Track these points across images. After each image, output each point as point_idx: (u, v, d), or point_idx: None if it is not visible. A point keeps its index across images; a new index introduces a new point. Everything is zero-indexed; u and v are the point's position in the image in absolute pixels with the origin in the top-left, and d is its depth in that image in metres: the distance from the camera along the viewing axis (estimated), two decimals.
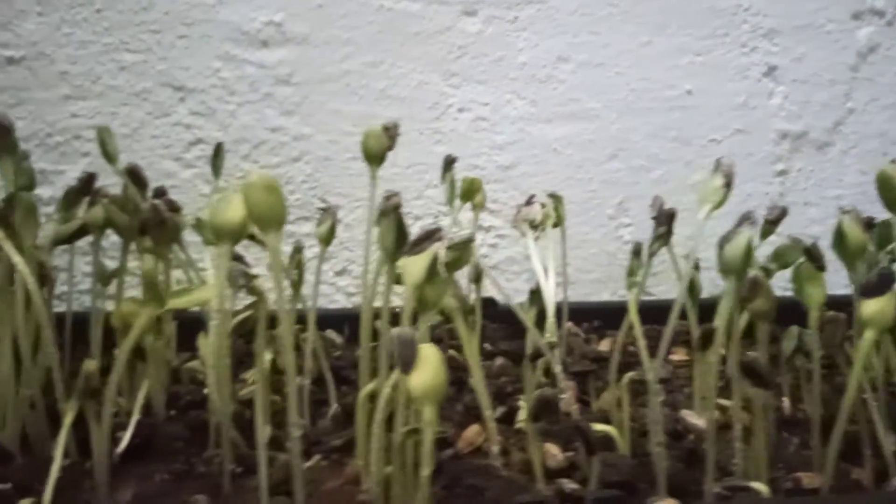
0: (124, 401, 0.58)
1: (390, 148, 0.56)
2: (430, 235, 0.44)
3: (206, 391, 0.64)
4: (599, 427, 0.53)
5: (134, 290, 0.63)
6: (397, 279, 0.48)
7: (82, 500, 0.48)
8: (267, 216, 0.42)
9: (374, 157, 0.56)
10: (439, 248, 0.45)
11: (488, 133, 0.82)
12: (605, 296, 0.86)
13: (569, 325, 0.74)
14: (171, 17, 0.78)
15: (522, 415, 0.60)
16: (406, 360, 0.41)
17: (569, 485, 0.48)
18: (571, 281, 0.81)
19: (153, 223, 0.53)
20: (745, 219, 0.45)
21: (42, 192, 0.76)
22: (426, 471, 0.41)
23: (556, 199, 0.70)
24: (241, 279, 0.50)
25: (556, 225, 0.69)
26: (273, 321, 0.53)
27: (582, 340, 0.74)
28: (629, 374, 0.55)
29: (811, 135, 0.88)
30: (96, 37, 0.77)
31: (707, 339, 0.59)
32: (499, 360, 0.69)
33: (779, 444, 0.57)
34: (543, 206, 0.67)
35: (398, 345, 0.42)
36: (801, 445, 0.57)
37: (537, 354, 0.53)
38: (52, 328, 0.53)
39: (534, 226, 0.66)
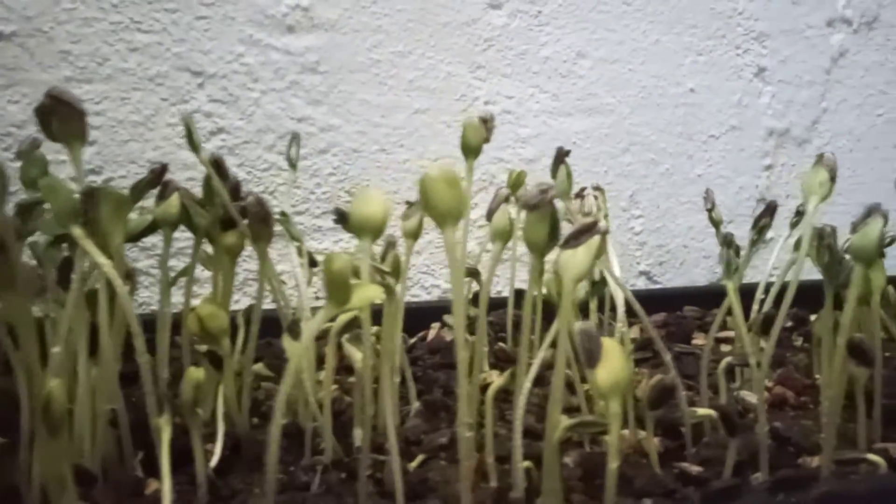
0: (202, 412, 0.54)
1: (487, 140, 0.56)
2: (590, 228, 0.44)
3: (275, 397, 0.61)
4: (702, 411, 0.55)
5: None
6: (540, 272, 0.47)
7: None
8: (446, 209, 0.40)
9: (472, 150, 0.55)
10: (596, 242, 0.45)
11: (513, 126, 0.83)
12: None
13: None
14: None
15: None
16: (591, 354, 0.41)
17: (693, 468, 0.50)
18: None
19: (258, 218, 0.49)
20: (874, 209, 0.47)
21: None
22: (613, 464, 0.41)
23: (601, 191, 0.71)
24: (376, 275, 0.48)
25: (604, 217, 0.70)
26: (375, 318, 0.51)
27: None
28: (726, 359, 0.57)
29: (793, 132, 0.95)
30: (103, 14, 0.70)
31: (768, 325, 0.62)
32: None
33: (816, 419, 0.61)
34: (596, 197, 0.69)
35: (583, 339, 0.41)
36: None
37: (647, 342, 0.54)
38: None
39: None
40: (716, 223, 0.66)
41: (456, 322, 0.42)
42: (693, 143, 0.90)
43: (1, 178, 0.37)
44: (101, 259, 0.46)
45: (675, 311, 0.83)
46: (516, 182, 0.70)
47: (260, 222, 0.50)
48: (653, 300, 0.76)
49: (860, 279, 0.48)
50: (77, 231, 0.46)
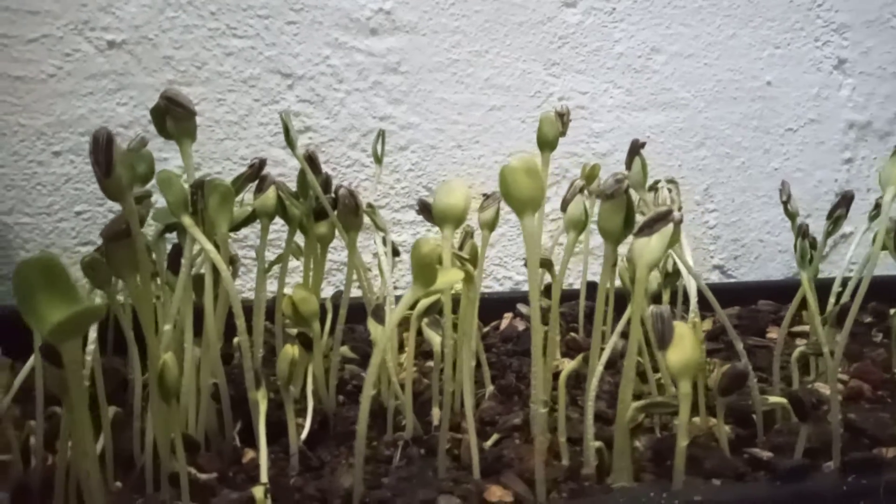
0: (293, 389, 0.58)
1: (563, 134, 0.58)
2: (664, 217, 0.46)
3: (363, 374, 0.65)
4: (773, 399, 0.55)
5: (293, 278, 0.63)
6: (614, 262, 0.49)
7: (293, 486, 0.48)
8: (526, 198, 0.43)
9: (548, 143, 0.57)
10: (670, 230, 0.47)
11: (587, 121, 0.84)
12: None
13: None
14: (279, 2, 0.77)
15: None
16: (664, 336, 0.43)
17: (764, 453, 0.51)
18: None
19: (348, 210, 0.53)
20: None
21: None
22: (683, 442, 0.43)
23: (674, 184, 0.72)
24: (456, 262, 0.51)
25: (679, 209, 0.71)
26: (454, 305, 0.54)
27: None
28: (800, 349, 0.58)
29: (875, 125, 0.93)
30: (202, 21, 0.76)
31: (843, 316, 0.62)
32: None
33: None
34: (670, 190, 0.70)
35: (657, 322, 0.43)
36: None
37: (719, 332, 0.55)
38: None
39: None
40: (792, 216, 0.66)
41: (532, 307, 0.45)
42: (770, 136, 0.90)
43: (130, 170, 0.42)
44: (208, 245, 0.50)
45: (749, 305, 0.83)
46: (591, 174, 0.72)
47: (350, 213, 0.53)
48: (727, 294, 0.76)
49: None
50: (187, 220, 0.50)
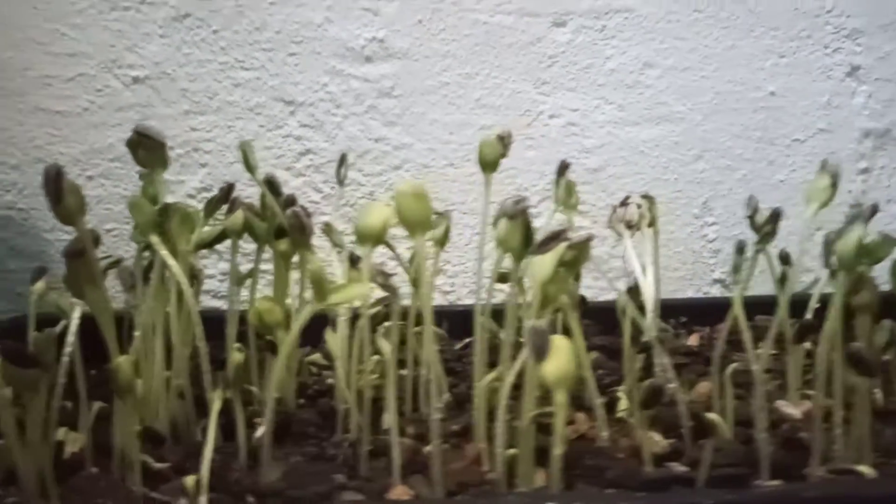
0: (258, 391, 0.64)
1: (504, 155, 0.61)
2: (557, 236, 0.48)
3: (330, 381, 0.70)
4: (709, 415, 0.56)
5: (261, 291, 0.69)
6: (520, 277, 0.52)
7: (233, 479, 0.54)
8: (415, 220, 0.46)
9: (489, 164, 0.60)
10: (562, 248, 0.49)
11: (578, 137, 0.86)
12: (689, 293, 0.89)
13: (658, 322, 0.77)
14: (282, 35, 0.84)
15: (623, 405, 0.64)
16: (540, 349, 0.46)
17: (678, 468, 0.52)
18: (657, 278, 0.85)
19: (296, 227, 0.58)
20: (857, 216, 0.47)
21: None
22: (558, 450, 0.45)
23: (649, 199, 0.73)
24: (379, 277, 0.55)
25: (650, 225, 0.72)
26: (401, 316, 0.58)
27: (672, 336, 0.78)
28: (733, 365, 0.58)
29: (894, 132, 0.90)
30: (213, 56, 0.84)
31: (804, 333, 0.62)
32: (593, 354, 0.72)
33: (872, 434, 0.59)
34: (639, 206, 0.71)
35: (533, 336, 0.46)
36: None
37: (646, 347, 0.56)
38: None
39: (630, 226, 0.70)
40: (758, 229, 0.66)
41: (426, 323, 0.48)
42: (774, 147, 0.88)
43: (78, 197, 0.49)
44: (171, 261, 0.57)
45: (749, 319, 0.82)
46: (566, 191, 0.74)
47: (298, 232, 0.59)
48: (726, 308, 0.76)
49: (842, 286, 0.48)
50: (154, 239, 0.57)
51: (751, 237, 0.83)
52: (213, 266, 0.84)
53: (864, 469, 0.49)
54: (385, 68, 0.85)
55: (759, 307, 0.82)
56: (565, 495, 0.44)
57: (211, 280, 0.83)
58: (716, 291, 0.87)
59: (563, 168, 0.60)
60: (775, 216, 0.55)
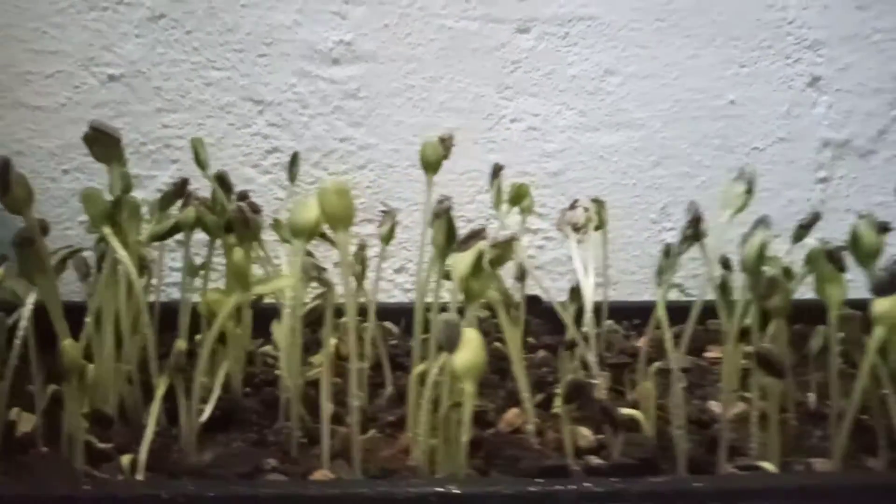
0: (207, 380, 0.66)
1: (445, 157, 0.63)
2: (476, 234, 0.50)
3: (277, 372, 0.73)
4: (626, 411, 0.58)
5: (217, 283, 0.71)
6: (447, 274, 0.54)
7: (171, 460, 0.56)
8: (338, 216, 0.49)
9: (431, 165, 0.63)
10: (483, 246, 0.51)
11: (539, 142, 0.88)
12: (646, 296, 0.90)
13: (610, 322, 0.79)
14: (253, 37, 0.86)
15: (559, 400, 0.66)
16: (451, 341, 0.48)
17: (595, 460, 0.54)
18: (615, 282, 0.86)
19: (239, 222, 0.60)
20: (761, 222, 0.49)
21: (136, 194, 0.84)
22: (465, 438, 0.47)
23: (598, 203, 0.75)
24: (313, 271, 0.57)
25: (597, 228, 0.74)
26: (339, 311, 0.61)
27: (622, 336, 0.79)
28: (656, 364, 0.60)
29: (854, 143, 0.91)
30: (187, 56, 0.87)
31: (740, 336, 0.63)
32: (541, 353, 0.74)
33: (802, 436, 0.61)
34: (586, 209, 0.73)
35: (444, 328, 0.48)
36: (824, 438, 0.60)
37: (572, 344, 0.58)
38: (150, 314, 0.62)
39: (576, 228, 0.72)
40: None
41: (349, 316, 0.50)
42: (734, 155, 0.90)
43: (26, 187, 0.52)
44: (122, 252, 0.60)
45: (701, 324, 0.84)
46: (518, 194, 0.76)
47: (242, 226, 0.61)
48: (682, 312, 0.78)
49: (746, 290, 0.49)
50: (107, 230, 0.60)
51: (708, 243, 0.84)
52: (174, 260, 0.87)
53: (767, 465, 0.50)
54: (352, 70, 0.87)
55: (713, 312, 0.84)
56: (450, 479, 0.46)
57: (178, 273, 0.86)
58: (673, 296, 0.89)
59: (497, 170, 0.62)
60: (696, 220, 0.56)
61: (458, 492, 0.42)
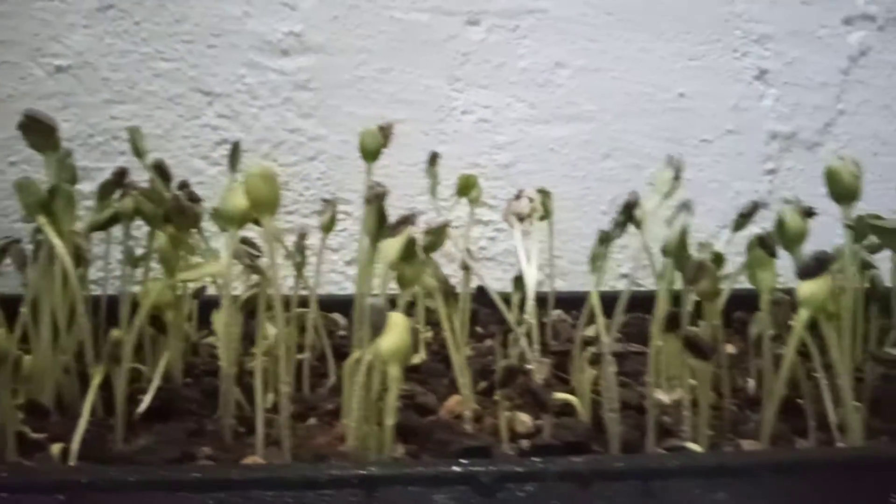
0: (148, 370, 0.66)
1: (384, 145, 0.63)
2: (406, 220, 0.50)
3: (219, 362, 0.72)
4: (562, 395, 0.58)
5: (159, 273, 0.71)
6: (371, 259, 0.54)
7: (103, 449, 0.56)
8: (263, 202, 0.49)
9: (370, 154, 0.63)
10: (415, 232, 0.51)
11: (489, 134, 0.88)
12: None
13: (558, 312, 0.80)
14: (202, 28, 0.86)
15: None
16: (377, 325, 0.48)
17: (527, 444, 0.54)
18: (565, 272, 0.87)
19: (175, 211, 0.60)
20: (683, 207, 0.50)
21: (84, 186, 0.83)
22: (389, 421, 0.47)
23: (544, 194, 0.75)
24: (245, 259, 0.57)
25: (542, 218, 0.74)
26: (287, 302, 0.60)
27: (569, 326, 0.80)
28: (590, 349, 0.60)
29: (801, 135, 0.92)
30: (135, 46, 0.86)
31: (671, 322, 0.64)
32: (488, 342, 0.75)
33: (739, 421, 0.62)
34: (531, 200, 0.73)
35: (371, 313, 0.48)
36: (760, 422, 0.61)
37: (508, 331, 0.59)
38: (88, 304, 0.61)
39: (521, 218, 0.72)
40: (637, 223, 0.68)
41: (276, 306, 0.50)
42: (683, 147, 0.91)
43: None
44: (56, 241, 0.59)
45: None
46: (465, 185, 0.76)
47: (177, 214, 0.61)
48: (631, 302, 0.79)
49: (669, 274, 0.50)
50: (42, 219, 0.59)
51: (656, 234, 0.85)
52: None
53: (693, 446, 0.51)
54: (301, 62, 0.87)
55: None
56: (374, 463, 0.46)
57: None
58: (622, 286, 0.89)
59: (433, 158, 0.62)
60: (628, 206, 0.57)
61: (379, 473, 0.42)
